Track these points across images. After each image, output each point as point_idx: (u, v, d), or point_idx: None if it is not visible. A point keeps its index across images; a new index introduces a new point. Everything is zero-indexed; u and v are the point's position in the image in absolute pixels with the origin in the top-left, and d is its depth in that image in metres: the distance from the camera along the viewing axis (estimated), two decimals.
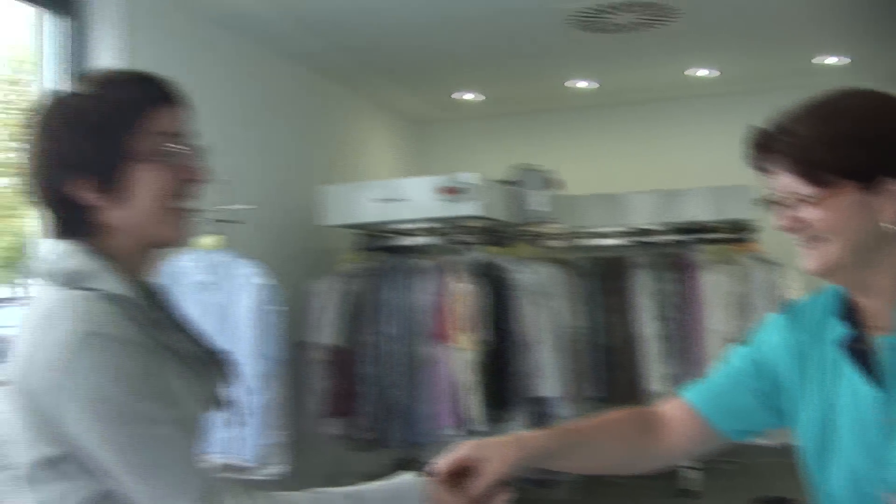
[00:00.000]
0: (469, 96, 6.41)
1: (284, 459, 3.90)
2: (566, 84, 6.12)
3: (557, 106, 6.65)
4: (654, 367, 5.05)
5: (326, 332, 4.35)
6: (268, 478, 3.75)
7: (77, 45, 3.67)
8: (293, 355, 4.35)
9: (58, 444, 1.22)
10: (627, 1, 4.31)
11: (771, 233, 1.66)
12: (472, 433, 4.16)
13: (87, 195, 1.27)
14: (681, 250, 5.26)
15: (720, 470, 5.56)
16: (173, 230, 1.34)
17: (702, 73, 5.86)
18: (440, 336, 4.18)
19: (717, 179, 5.45)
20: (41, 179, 1.29)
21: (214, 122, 4.23)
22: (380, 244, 4.66)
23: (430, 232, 4.51)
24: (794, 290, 4.70)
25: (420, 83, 6.04)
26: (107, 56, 3.68)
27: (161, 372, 1.25)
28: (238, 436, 3.70)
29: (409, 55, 5.25)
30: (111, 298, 1.24)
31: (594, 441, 1.58)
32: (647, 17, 4.57)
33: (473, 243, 4.52)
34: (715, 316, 5.00)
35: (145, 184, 1.28)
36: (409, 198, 4.41)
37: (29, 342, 1.22)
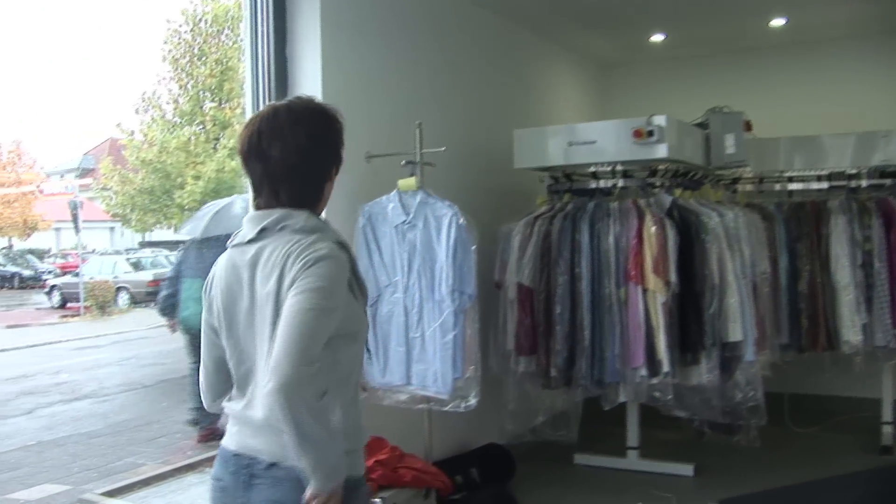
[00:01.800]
0: (657, 38, 6.30)
1: (476, 393, 4.04)
2: (758, 23, 5.90)
3: (748, 45, 6.43)
4: (847, 315, 4.89)
5: (519, 271, 4.45)
6: (459, 410, 3.91)
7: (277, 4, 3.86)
8: (487, 293, 4.49)
9: None
10: None
11: None
12: (660, 374, 4.19)
13: (328, 182, 1.99)
14: (881, 195, 5.02)
15: None
16: None
17: None
18: (631, 278, 4.21)
19: None
20: (318, 166, 1.97)
21: (419, 68, 4.39)
22: (570, 186, 4.70)
23: (620, 175, 4.51)
24: None
25: (610, 26, 5.99)
26: (301, 10, 3.85)
27: (351, 294, 1.89)
28: (434, 369, 3.88)
29: None
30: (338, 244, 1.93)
31: None
32: None
33: (664, 186, 4.50)
34: None
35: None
36: (600, 141, 4.43)
37: (295, 255, 1.83)
